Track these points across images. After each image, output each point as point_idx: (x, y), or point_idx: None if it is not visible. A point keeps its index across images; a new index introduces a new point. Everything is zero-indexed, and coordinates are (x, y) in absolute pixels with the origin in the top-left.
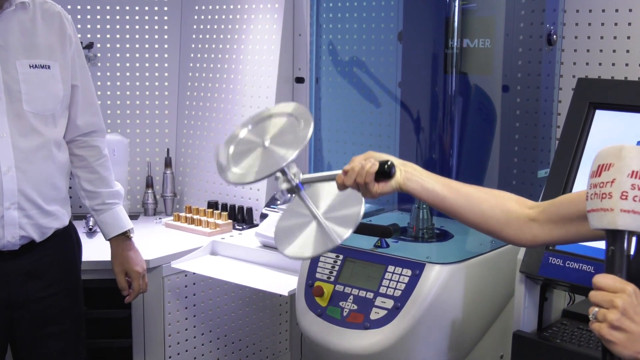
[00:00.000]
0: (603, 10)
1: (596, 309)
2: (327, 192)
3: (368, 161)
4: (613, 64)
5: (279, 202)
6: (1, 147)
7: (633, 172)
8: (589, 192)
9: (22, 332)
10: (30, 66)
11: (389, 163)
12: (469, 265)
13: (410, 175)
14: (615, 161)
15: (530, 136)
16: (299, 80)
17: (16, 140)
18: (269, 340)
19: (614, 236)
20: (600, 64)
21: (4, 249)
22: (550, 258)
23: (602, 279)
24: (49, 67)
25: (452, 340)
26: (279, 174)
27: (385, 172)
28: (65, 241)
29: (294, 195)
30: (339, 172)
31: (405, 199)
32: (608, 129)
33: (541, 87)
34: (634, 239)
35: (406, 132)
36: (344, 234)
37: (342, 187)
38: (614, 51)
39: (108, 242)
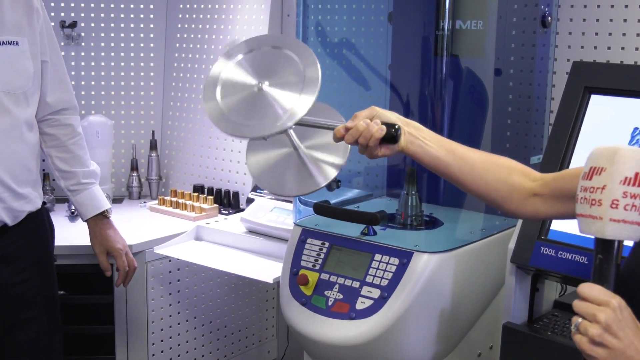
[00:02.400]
0: None
1: (579, 319)
2: (313, 131)
3: (374, 123)
4: (609, 48)
5: None
6: None
7: (626, 178)
8: (578, 195)
9: None
10: None
11: (396, 127)
12: (458, 254)
13: (414, 138)
14: (607, 165)
15: (523, 121)
16: None
17: None
18: (255, 327)
19: (603, 245)
20: (595, 48)
21: None
22: (542, 248)
23: (588, 290)
24: (17, 43)
25: (441, 331)
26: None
27: (391, 138)
28: (38, 225)
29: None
30: (339, 123)
31: (394, 184)
32: (604, 115)
33: (535, 71)
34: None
35: None
36: (330, 175)
37: (338, 140)
38: (610, 34)
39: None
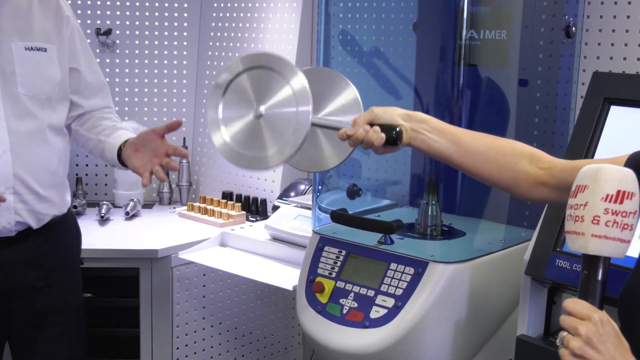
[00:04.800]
0: (629, 2)
1: (565, 333)
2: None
3: (374, 131)
4: (638, 59)
5: None
6: None
7: (608, 195)
8: (566, 212)
9: (20, 322)
10: (25, 49)
11: (396, 131)
12: (474, 265)
13: (416, 133)
14: (590, 183)
15: (549, 132)
16: None
17: (11, 123)
18: (281, 335)
19: (587, 261)
20: (624, 59)
21: (0, 236)
22: (557, 260)
23: (572, 304)
24: (45, 49)
25: (456, 342)
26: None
27: (393, 141)
28: (63, 229)
29: None
30: (344, 126)
31: (419, 194)
32: (623, 126)
33: (560, 82)
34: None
35: None
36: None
37: (343, 140)
38: (639, 45)
39: (118, 228)
